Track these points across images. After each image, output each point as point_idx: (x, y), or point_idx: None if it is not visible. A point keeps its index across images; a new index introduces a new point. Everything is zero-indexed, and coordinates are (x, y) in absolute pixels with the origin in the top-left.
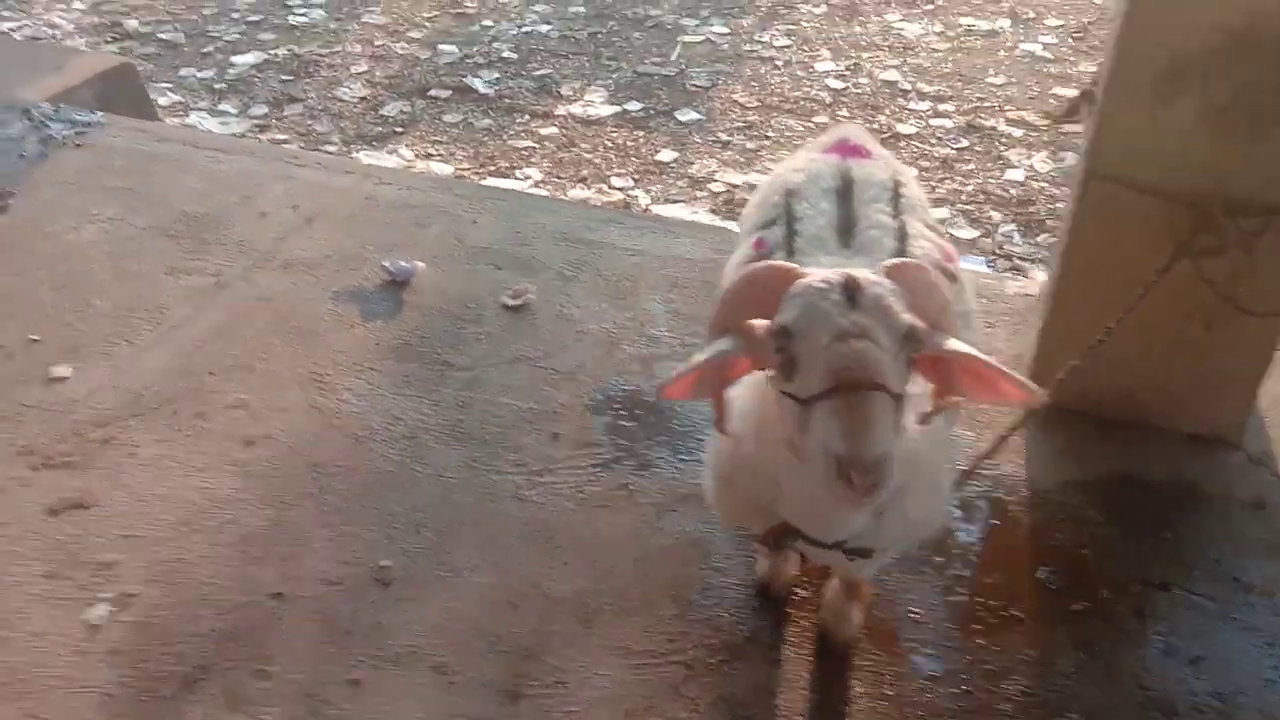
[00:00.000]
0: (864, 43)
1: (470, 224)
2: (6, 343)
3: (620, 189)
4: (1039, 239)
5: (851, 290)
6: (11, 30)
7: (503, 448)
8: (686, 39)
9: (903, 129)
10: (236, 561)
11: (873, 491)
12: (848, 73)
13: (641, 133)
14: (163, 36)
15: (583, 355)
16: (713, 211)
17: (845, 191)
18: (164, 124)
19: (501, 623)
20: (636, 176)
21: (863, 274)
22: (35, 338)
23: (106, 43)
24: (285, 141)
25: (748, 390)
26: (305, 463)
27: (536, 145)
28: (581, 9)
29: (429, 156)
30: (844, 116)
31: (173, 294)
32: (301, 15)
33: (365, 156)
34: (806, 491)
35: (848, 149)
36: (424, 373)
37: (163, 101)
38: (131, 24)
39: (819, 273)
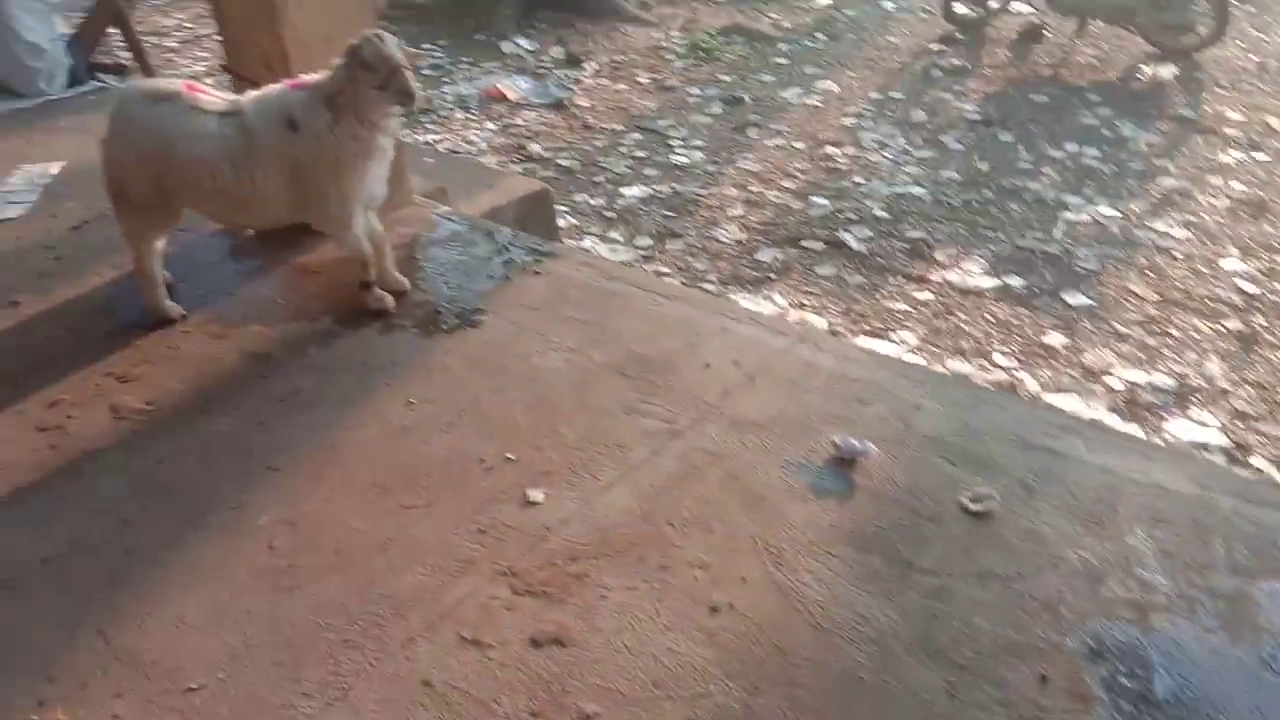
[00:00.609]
0: (1277, 244)
1: (914, 408)
2: (487, 457)
3: (1004, 368)
4: None
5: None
6: (434, 142)
7: (983, 679)
8: (1069, 216)
9: None
10: None
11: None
12: (1262, 276)
13: (1025, 310)
14: (561, 163)
15: (1061, 585)
16: (1113, 411)
17: None
18: (611, 262)
19: None
20: (1021, 357)
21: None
22: (511, 457)
23: (513, 163)
24: (667, 274)
25: None
26: (771, 645)
27: (911, 309)
28: (955, 175)
29: (802, 306)
30: (1261, 324)
31: (631, 434)
32: (682, 156)
33: (743, 299)
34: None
35: None
36: (885, 570)
37: (561, 223)
38: (535, 148)
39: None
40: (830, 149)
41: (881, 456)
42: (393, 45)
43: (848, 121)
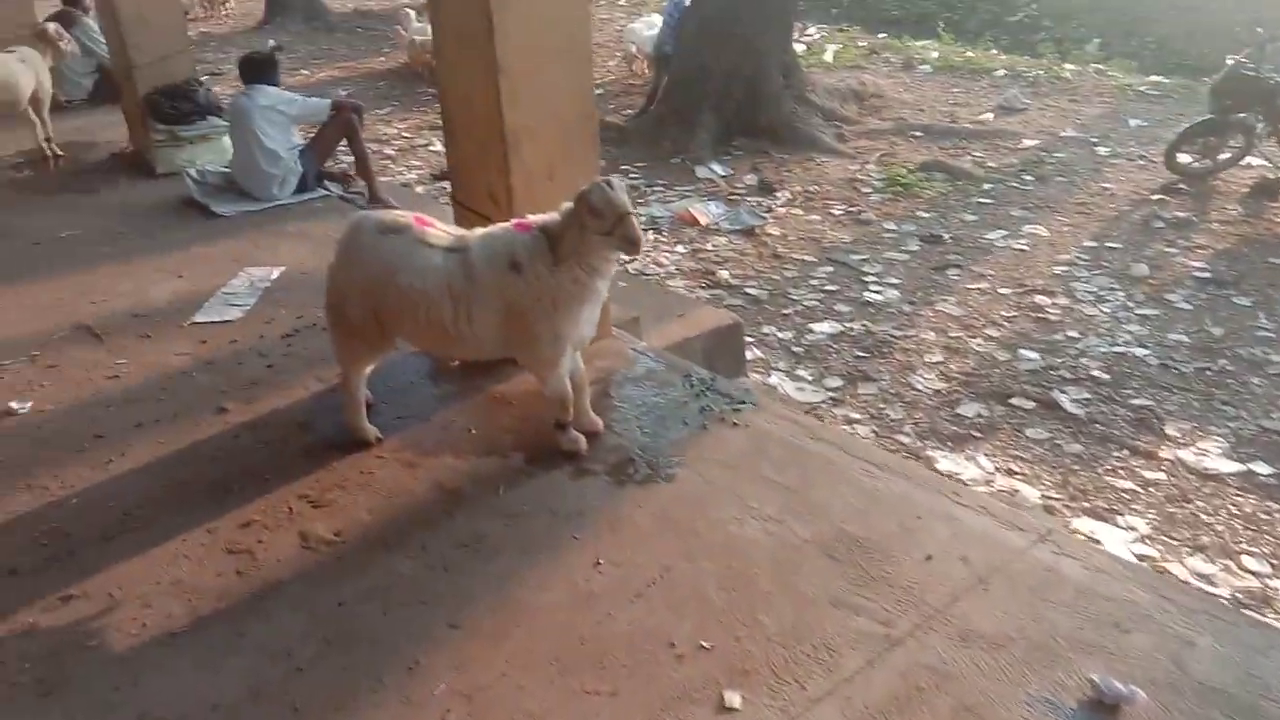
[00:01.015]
0: None
1: (1187, 645)
2: (678, 640)
3: (1255, 574)
4: None
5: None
6: (624, 261)
7: None
8: None
9: None
10: None
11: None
12: None
13: (1277, 506)
14: (749, 291)
15: None
16: None
17: None
18: (817, 421)
19: None
20: (1275, 562)
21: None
22: (705, 645)
23: (701, 288)
24: (859, 420)
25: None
26: None
27: (1139, 489)
28: (1184, 338)
29: (1010, 473)
30: None
31: (841, 634)
32: (877, 293)
33: (941, 457)
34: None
35: None
36: None
37: (747, 355)
38: (723, 275)
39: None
40: (1040, 298)
41: (1151, 706)
42: (622, 192)
43: (1059, 270)
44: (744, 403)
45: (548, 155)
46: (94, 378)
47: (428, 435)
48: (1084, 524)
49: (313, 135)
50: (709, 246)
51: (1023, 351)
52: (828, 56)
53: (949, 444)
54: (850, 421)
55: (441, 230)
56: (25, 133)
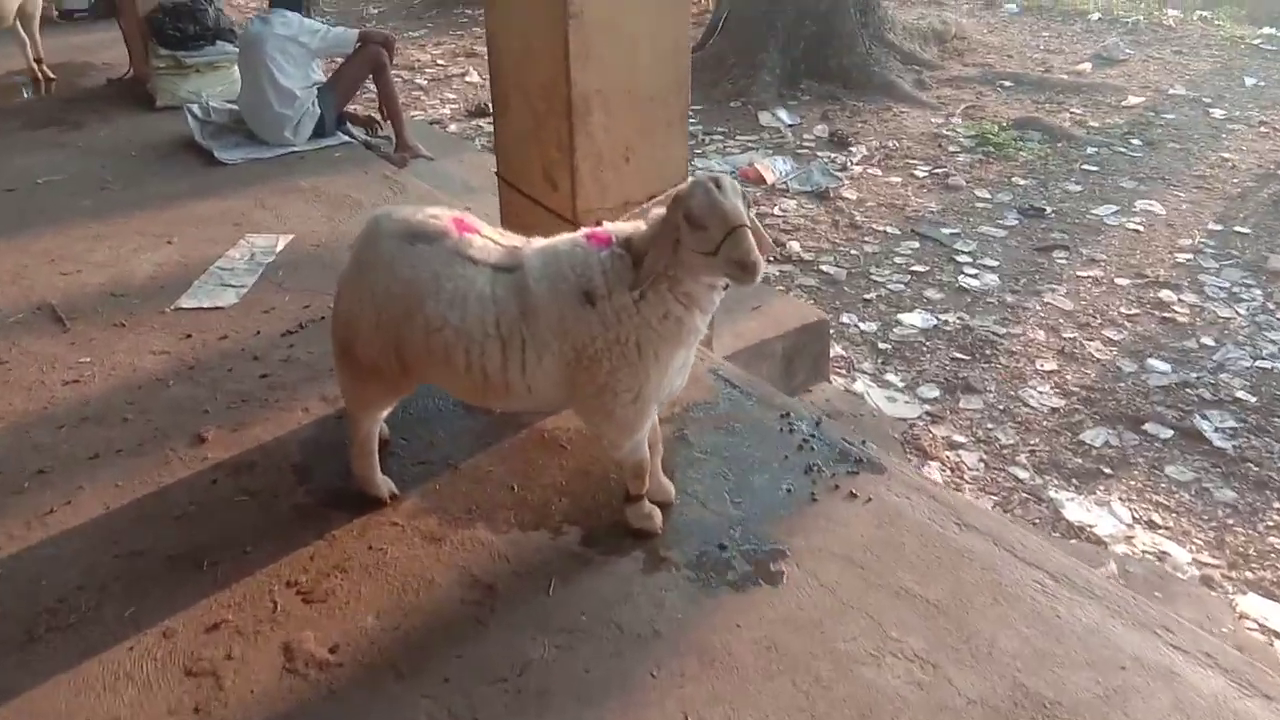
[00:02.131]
0: None
1: None
2: None
3: None
4: None
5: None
6: None
7: None
8: None
9: None
10: None
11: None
12: None
13: None
14: (824, 268)
15: None
16: None
17: None
18: (958, 494)
19: None
20: None
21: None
22: None
23: (769, 260)
24: (963, 445)
25: None
26: None
27: None
28: None
29: (1153, 526)
30: None
31: None
32: (972, 278)
33: (1068, 500)
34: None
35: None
36: None
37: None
38: (794, 247)
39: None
40: (1164, 293)
41: None
42: (734, 195)
43: (1182, 258)
44: (862, 463)
45: (624, 132)
46: (49, 381)
47: (456, 492)
48: (1251, 604)
49: (334, 71)
50: (776, 210)
51: (1151, 362)
52: None
53: (1074, 482)
54: (953, 445)
55: (488, 237)
56: (14, 50)
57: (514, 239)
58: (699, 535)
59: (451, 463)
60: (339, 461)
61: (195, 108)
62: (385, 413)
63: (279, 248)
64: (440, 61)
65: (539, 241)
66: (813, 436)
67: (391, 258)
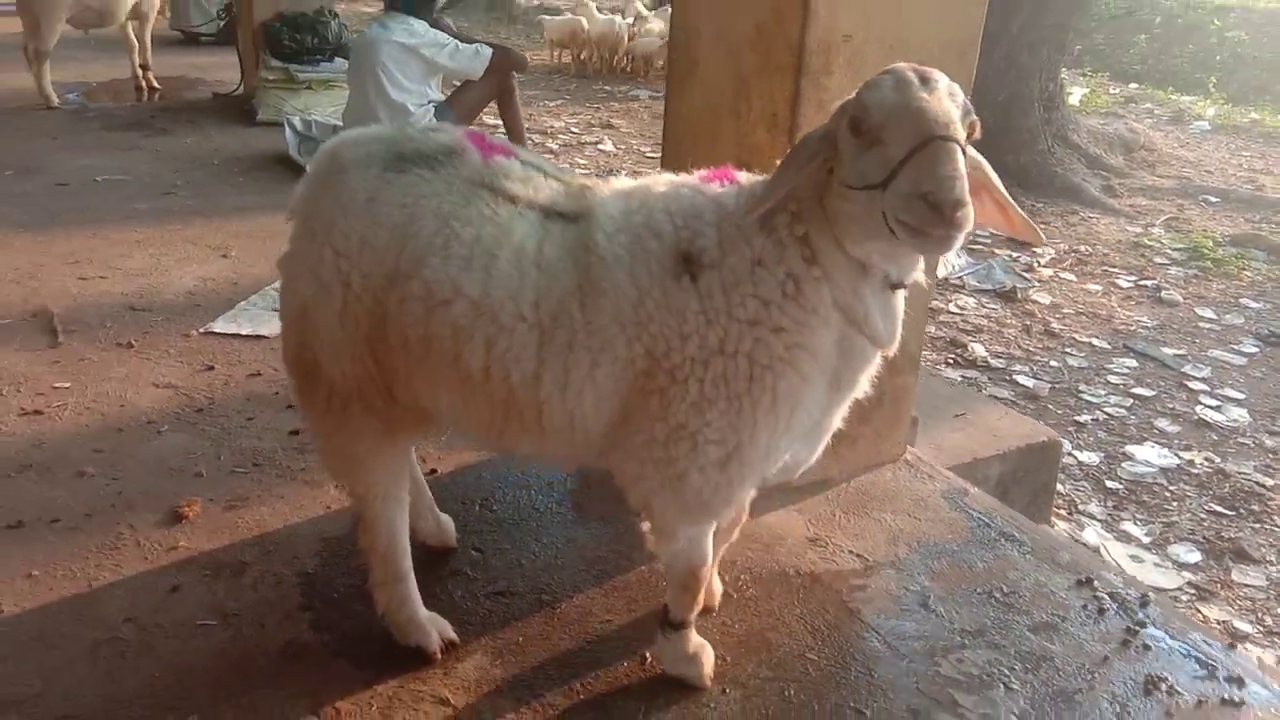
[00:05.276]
0: None
1: None
2: None
3: None
4: None
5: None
6: None
7: None
8: None
9: None
10: None
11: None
12: None
13: None
14: (1019, 379)
15: None
16: None
17: None
18: None
19: None
20: None
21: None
22: None
23: (947, 364)
24: (1246, 634)
25: None
26: None
27: None
28: None
29: None
30: None
31: None
32: (1214, 411)
33: None
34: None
35: None
36: None
37: None
38: (978, 350)
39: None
40: None
41: None
42: (939, 93)
43: None
44: (1238, 682)
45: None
46: (8, 410)
47: (552, 651)
48: None
49: (454, 89)
50: (952, 307)
51: None
52: (1074, 99)
53: None
54: (1235, 635)
55: (534, 167)
56: (126, 60)
57: (582, 178)
58: None
59: (546, 599)
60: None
61: (296, 119)
62: (398, 481)
63: None
64: (574, 129)
65: (624, 180)
66: (1143, 625)
67: (369, 196)
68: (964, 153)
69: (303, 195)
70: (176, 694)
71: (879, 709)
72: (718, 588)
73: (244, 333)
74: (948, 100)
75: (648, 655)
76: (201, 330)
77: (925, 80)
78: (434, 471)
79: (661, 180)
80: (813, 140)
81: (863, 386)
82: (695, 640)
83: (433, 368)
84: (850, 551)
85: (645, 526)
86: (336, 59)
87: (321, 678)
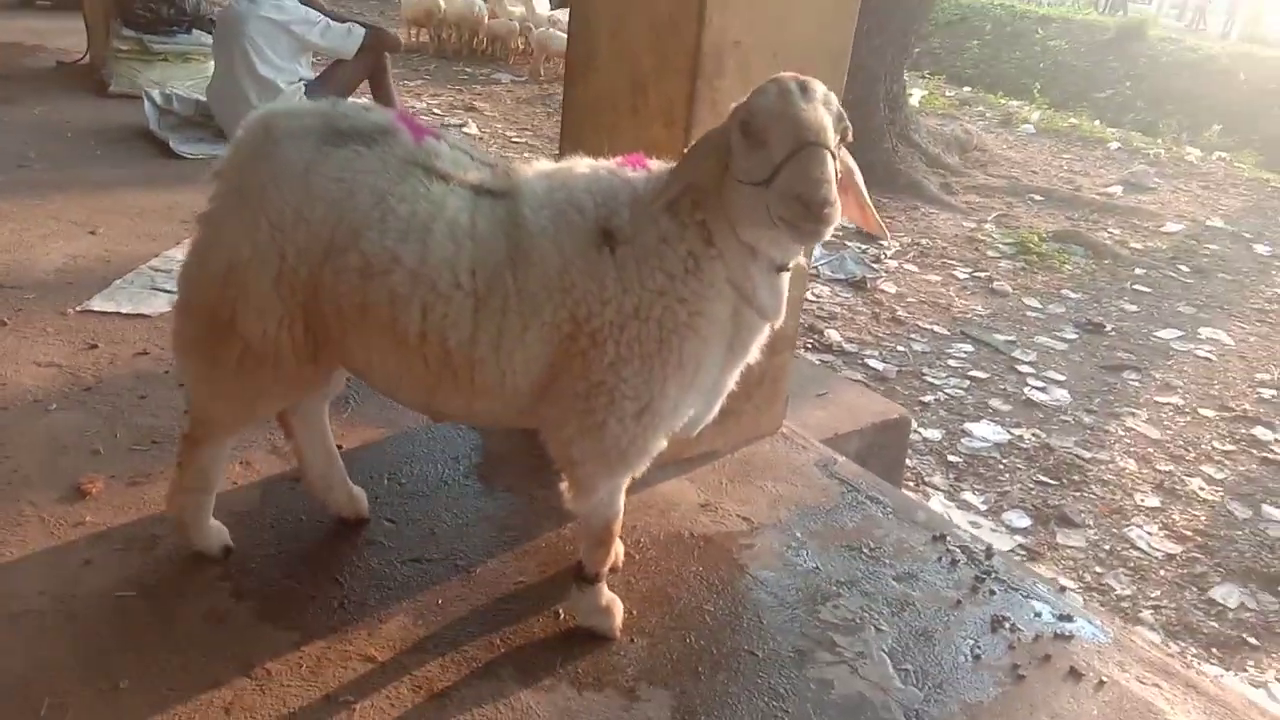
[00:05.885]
0: None
1: None
2: None
3: None
4: None
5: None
6: None
7: None
8: None
9: None
10: None
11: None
12: None
13: None
14: (870, 363)
15: None
16: None
17: None
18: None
19: None
20: None
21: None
22: None
23: (806, 349)
24: (1072, 590)
25: None
26: None
27: None
28: None
29: None
30: None
31: None
32: (1039, 390)
33: (1211, 670)
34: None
35: None
36: None
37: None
38: (834, 336)
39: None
40: (1259, 430)
41: None
42: (816, 102)
43: (1267, 394)
44: (1070, 619)
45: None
46: None
47: (469, 614)
48: None
49: (325, 68)
50: (809, 295)
51: (1268, 509)
52: (914, 100)
53: (1217, 653)
54: (1061, 590)
55: (458, 147)
56: None
57: (507, 162)
58: None
59: (461, 564)
60: (291, 544)
61: (155, 94)
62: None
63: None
64: (437, 110)
65: (543, 164)
66: (988, 574)
67: (305, 167)
68: (835, 157)
69: (231, 160)
70: (104, 660)
71: (769, 650)
72: (619, 549)
73: (124, 311)
74: (823, 109)
75: (561, 611)
76: (78, 309)
77: (805, 90)
78: (340, 447)
79: (581, 163)
80: (711, 138)
81: (753, 353)
82: (607, 594)
83: (367, 333)
84: (738, 515)
85: (564, 486)
86: (194, 30)
87: (249, 641)
